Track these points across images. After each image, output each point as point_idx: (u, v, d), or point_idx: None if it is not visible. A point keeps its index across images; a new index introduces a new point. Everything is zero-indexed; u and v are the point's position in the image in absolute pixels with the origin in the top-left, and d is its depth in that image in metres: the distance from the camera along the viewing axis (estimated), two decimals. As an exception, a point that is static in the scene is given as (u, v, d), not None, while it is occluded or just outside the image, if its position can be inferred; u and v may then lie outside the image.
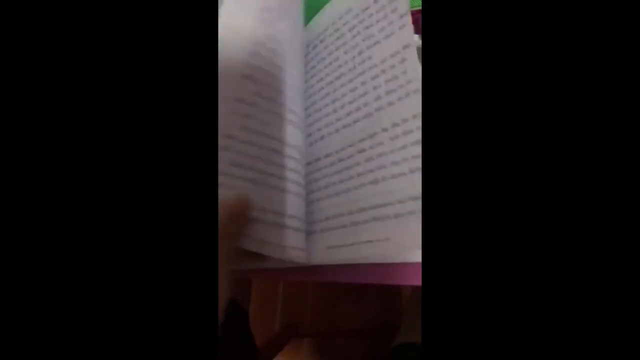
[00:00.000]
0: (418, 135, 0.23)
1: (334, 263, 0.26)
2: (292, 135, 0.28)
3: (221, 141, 0.24)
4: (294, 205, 0.27)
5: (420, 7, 0.31)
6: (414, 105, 0.23)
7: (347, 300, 0.53)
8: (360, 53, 0.27)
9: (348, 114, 0.27)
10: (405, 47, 0.24)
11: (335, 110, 0.28)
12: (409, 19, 0.24)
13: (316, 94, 0.30)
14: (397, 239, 0.23)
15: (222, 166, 0.23)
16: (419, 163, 0.22)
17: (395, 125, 0.24)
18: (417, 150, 0.22)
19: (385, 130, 0.24)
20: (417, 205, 0.22)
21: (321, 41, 0.31)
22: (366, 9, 0.28)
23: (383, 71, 0.25)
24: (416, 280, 0.25)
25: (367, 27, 0.27)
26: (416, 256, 0.24)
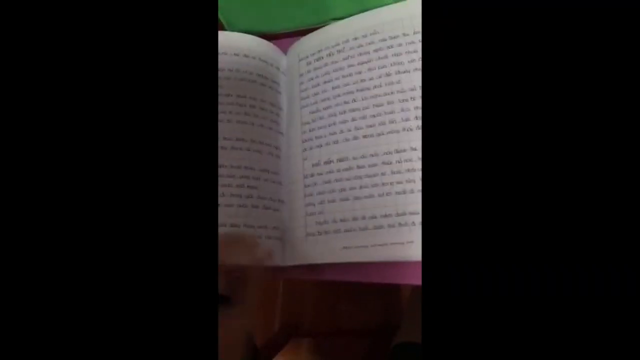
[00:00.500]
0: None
1: (348, 261, 0.28)
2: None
3: None
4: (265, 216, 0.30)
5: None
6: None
7: (347, 300, 0.52)
8: (387, 75, 0.30)
9: (370, 126, 0.30)
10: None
11: (354, 119, 0.30)
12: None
13: (331, 100, 0.32)
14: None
15: None
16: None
17: (426, 147, 0.28)
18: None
19: (414, 149, 0.28)
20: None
21: (339, 51, 0.32)
22: (395, 37, 0.31)
23: (412, 98, 0.29)
24: (416, 279, 0.29)
25: (395, 55, 0.30)
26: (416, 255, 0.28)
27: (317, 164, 0.31)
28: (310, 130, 0.32)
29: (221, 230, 0.28)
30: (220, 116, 0.31)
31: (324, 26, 0.35)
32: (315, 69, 0.33)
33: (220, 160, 0.30)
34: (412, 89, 0.29)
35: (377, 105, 0.30)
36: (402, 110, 0.29)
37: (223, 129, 0.31)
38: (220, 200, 0.29)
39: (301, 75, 0.34)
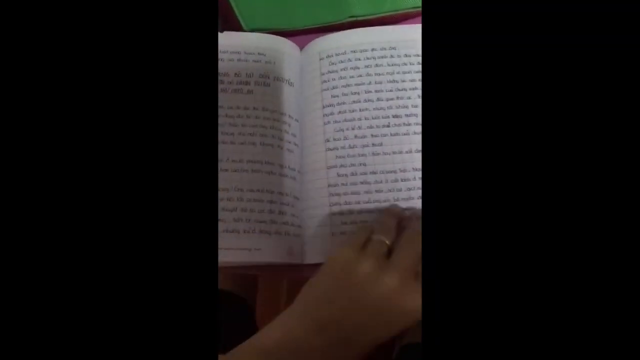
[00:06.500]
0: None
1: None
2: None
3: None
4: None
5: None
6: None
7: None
8: (399, 90, 0.34)
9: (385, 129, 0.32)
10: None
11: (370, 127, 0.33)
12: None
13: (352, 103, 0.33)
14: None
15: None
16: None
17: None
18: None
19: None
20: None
21: (357, 59, 0.35)
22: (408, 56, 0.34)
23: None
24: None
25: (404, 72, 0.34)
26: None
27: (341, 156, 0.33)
28: (335, 129, 0.34)
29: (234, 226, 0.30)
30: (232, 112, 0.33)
31: (341, 23, 0.36)
32: (341, 69, 0.35)
33: (236, 156, 0.32)
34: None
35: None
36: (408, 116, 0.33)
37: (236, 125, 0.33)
38: (235, 194, 0.31)
39: (324, 73, 0.35)
